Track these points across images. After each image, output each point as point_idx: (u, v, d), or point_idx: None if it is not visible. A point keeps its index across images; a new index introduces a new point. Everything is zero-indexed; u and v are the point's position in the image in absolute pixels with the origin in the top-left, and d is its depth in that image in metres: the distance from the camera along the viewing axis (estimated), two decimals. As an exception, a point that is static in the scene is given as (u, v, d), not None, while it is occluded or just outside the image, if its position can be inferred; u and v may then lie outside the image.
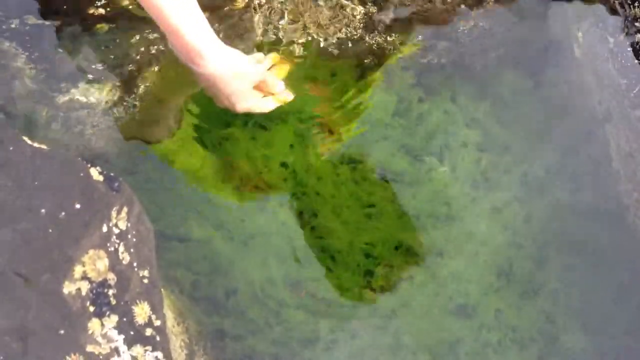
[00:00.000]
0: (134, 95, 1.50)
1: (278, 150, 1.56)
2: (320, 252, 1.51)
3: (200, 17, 1.35)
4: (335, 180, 1.56)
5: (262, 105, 1.46)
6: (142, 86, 1.52)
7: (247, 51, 1.60)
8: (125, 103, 1.50)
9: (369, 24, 1.71)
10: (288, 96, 1.49)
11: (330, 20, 1.69)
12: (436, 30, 1.75)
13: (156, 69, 1.53)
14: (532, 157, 1.64)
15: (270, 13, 1.67)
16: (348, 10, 1.70)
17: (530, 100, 1.69)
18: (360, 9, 1.71)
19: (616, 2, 1.78)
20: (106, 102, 1.48)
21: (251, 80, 1.42)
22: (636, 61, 1.71)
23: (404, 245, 1.54)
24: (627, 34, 1.75)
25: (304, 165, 1.55)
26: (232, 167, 1.54)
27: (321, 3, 1.70)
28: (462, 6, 1.76)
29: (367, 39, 1.69)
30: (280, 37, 1.66)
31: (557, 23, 1.77)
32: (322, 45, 1.66)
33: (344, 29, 1.69)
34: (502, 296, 1.54)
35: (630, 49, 1.73)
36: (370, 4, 1.72)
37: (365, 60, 1.67)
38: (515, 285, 1.55)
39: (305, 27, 1.68)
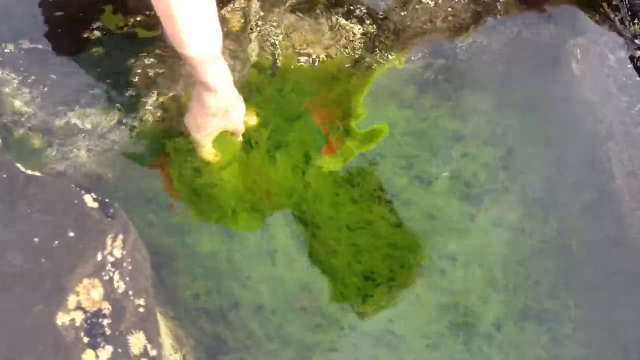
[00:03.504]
0: (131, 118, 1.49)
1: (282, 174, 1.55)
2: (321, 270, 1.49)
3: (224, 67, 1.35)
4: (335, 200, 1.54)
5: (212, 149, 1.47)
6: (139, 109, 1.51)
7: (242, 70, 1.60)
8: (122, 126, 1.49)
9: (368, 43, 1.70)
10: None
11: (329, 39, 1.69)
12: (435, 47, 1.74)
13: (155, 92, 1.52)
14: (533, 176, 1.62)
15: (267, 33, 1.67)
16: (347, 29, 1.70)
17: (530, 118, 1.68)
18: (358, 28, 1.70)
19: (616, 18, 1.77)
20: (103, 126, 1.47)
21: (226, 125, 1.43)
22: (637, 78, 1.70)
23: (403, 262, 1.52)
24: (627, 50, 1.74)
25: (306, 186, 1.54)
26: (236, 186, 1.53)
27: (317, 23, 1.70)
28: (461, 23, 1.75)
29: (367, 57, 1.68)
30: (277, 56, 1.65)
31: (555, 40, 1.76)
32: (320, 64, 1.66)
33: (342, 48, 1.68)
34: (503, 311, 1.52)
35: (630, 65, 1.72)
36: (369, 22, 1.71)
37: (364, 78, 1.67)
38: (516, 300, 1.53)
39: (301, 47, 1.67)
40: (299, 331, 1.44)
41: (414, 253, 1.53)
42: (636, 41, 1.74)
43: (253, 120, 1.53)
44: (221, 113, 1.38)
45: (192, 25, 1.23)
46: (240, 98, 1.42)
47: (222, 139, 1.46)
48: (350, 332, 1.45)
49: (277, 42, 1.66)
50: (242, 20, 1.66)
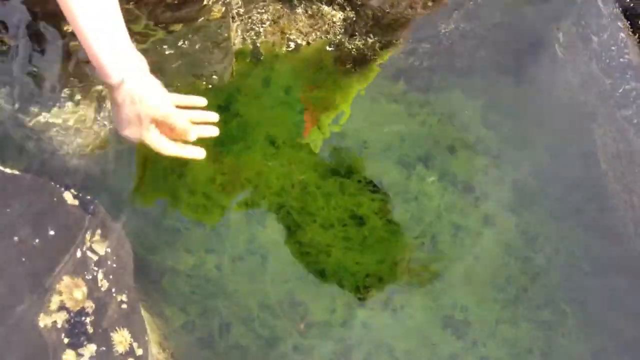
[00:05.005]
0: (106, 113, 1.47)
1: (270, 169, 1.53)
2: (312, 272, 1.48)
3: (121, 40, 1.17)
4: (325, 193, 1.53)
5: (156, 143, 1.21)
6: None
7: (224, 60, 1.58)
8: (97, 121, 1.47)
9: (349, 29, 1.68)
10: (194, 153, 1.22)
11: (310, 27, 1.67)
12: (417, 33, 1.72)
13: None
14: (520, 163, 1.62)
15: (249, 22, 1.65)
16: (328, 16, 1.68)
17: (514, 103, 1.67)
18: (339, 14, 1.68)
19: (599, 0, 1.75)
20: (82, 121, 1.45)
21: (145, 113, 1.19)
22: (621, 60, 1.69)
23: (395, 260, 1.51)
24: (610, 32, 1.73)
25: (293, 181, 1.53)
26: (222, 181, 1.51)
27: (299, 10, 1.68)
28: (443, 9, 1.74)
29: (346, 44, 1.66)
30: (259, 44, 1.63)
31: (537, 23, 1.74)
32: (303, 52, 1.64)
33: (324, 35, 1.67)
34: (497, 308, 1.51)
35: (614, 47, 1.71)
36: (349, 9, 1.69)
37: (347, 66, 1.65)
38: (511, 296, 1.52)
39: (284, 34, 1.65)
40: (292, 346, 1.43)
41: (407, 253, 1.52)
42: (618, 23, 1.73)
43: (214, 116, 1.30)
44: (134, 103, 1.18)
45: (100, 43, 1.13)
46: (155, 84, 1.22)
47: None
48: (348, 341, 1.45)
49: (259, 30, 1.64)
50: (223, 9, 1.64)
